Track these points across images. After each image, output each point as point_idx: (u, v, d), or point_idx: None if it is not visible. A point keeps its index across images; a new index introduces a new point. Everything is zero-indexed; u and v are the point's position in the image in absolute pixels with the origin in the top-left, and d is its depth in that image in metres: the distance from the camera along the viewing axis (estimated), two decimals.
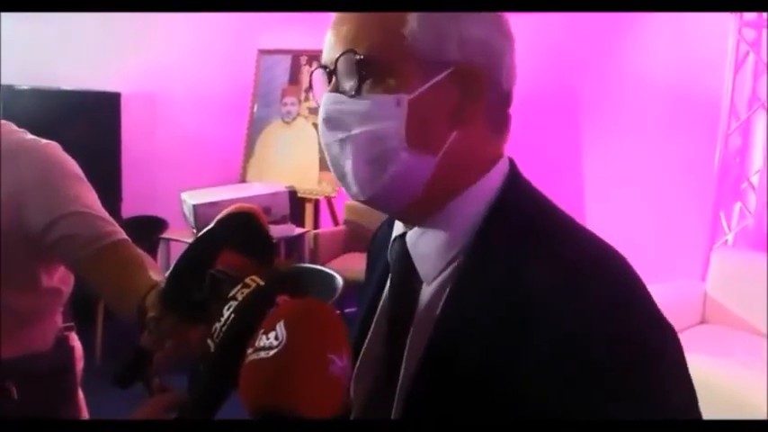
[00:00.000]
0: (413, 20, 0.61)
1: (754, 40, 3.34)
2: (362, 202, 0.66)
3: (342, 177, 0.66)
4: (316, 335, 0.54)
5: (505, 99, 0.67)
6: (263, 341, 0.54)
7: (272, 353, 0.53)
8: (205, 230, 0.73)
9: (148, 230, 3.57)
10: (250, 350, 0.54)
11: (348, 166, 0.64)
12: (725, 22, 3.32)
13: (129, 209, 3.80)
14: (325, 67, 0.66)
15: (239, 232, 0.72)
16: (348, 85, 0.63)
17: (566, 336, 0.55)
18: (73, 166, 1.13)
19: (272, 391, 0.52)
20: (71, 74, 3.71)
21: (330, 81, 0.65)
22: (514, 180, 0.67)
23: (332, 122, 0.64)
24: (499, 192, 0.66)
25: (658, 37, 3.61)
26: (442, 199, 0.65)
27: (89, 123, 3.57)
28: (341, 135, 0.64)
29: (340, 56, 0.63)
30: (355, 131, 0.63)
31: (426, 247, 0.66)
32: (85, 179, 1.13)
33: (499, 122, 0.67)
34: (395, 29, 0.62)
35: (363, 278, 0.84)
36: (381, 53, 0.62)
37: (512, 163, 0.69)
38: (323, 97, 0.66)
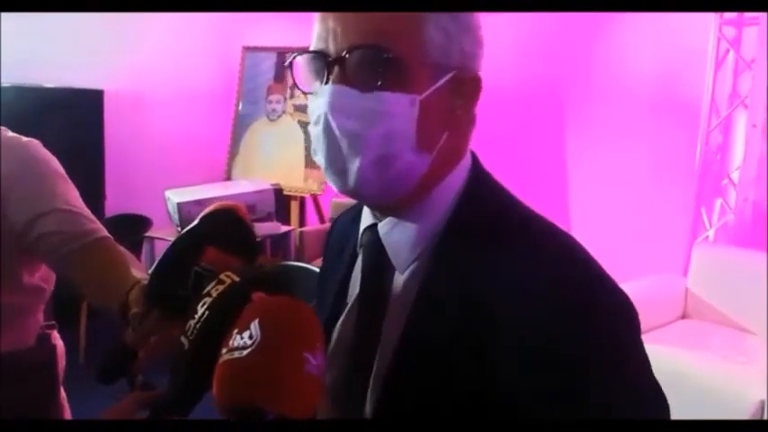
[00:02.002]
0: (429, 23, 0.63)
1: (734, 38, 3.38)
2: (350, 195, 0.66)
3: (339, 172, 0.64)
4: (290, 333, 0.54)
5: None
6: (236, 340, 0.53)
7: (245, 352, 0.52)
8: (188, 227, 0.73)
9: (132, 229, 3.54)
10: (224, 349, 0.54)
11: (355, 162, 0.63)
12: (706, 21, 3.36)
13: (113, 207, 3.77)
14: (322, 55, 0.64)
15: (222, 229, 0.72)
16: (363, 79, 0.62)
17: (533, 328, 0.57)
18: (54, 163, 1.13)
19: (246, 391, 0.52)
20: (53, 71, 3.67)
21: (329, 69, 0.63)
22: (478, 172, 0.70)
23: (340, 117, 0.62)
24: (465, 184, 0.68)
25: (640, 35, 3.64)
26: (422, 193, 0.67)
27: (72, 121, 3.54)
28: (350, 131, 0.62)
29: (358, 49, 0.61)
30: (367, 129, 0.62)
31: (399, 237, 0.68)
32: (67, 176, 1.13)
33: (474, 121, 0.70)
34: (415, 29, 0.63)
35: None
36: (403, 52, 0.62)
37: (473, 156, 0.71)
38: (329, 88, 0.62)
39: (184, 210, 3.47)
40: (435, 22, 0.63)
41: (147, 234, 3.64)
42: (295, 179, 4.13)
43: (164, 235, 3.58)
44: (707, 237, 3.47)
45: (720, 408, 2.49)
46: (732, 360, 2.70)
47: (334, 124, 0.63)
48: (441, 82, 0.64)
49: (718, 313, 3.14)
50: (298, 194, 4.17)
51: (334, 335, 0.73)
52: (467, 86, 0.66)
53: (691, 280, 3.28)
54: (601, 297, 0.60)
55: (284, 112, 4.29)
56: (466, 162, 0.70)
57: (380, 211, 0.70)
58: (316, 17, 0.66)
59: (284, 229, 3.91)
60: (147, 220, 3.72)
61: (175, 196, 3.58)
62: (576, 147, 4.03)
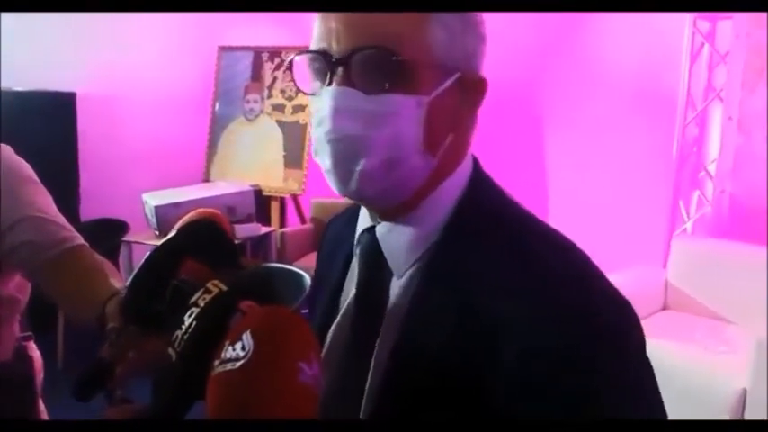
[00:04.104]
0: (436, 22, 0.62)
1: (708, 32, 3.42)
2: (352, 197, 0.65)
3: (344, 174, 0.63)
4: (283, 343, 0.52)
5: None
6: (228, 352, 0.52)
7: (238, 364, 0.51)
8: (165, 240, 0.71)
9: (108, 234, 3.48)
10: (216, 362, 0.52)
11: (360, 165, 0.62)
12: (680, 15, 3.39)
13: (88, 212, 3.70)
14: (324, 55, 0.62)
15: (200, 241, 0.70)
16: (368, 81, 0.61)
17: (533, 334, 0.56)
18: (26, 169, 1.09)
19: (240, 403, 0.50)
20: (24, 74, 3.59)
21: (332, 70, 0.62)
22: (478, 176, 0.69)
23: (345, 119, 0.61)
24: (466, 188, 0.67)
25: (616, 29, 3.67)
26: (422, 195, 0.66)
27: (44, 125, 3.46)
28: (355, 134, 0.61)
29: (363, 50, 0.60)
30: (373, 131, 0.61)
31: (398, 240, 0.67)
32: (40, 182, 1.09)
33: (475, 123, 0.69)
34: (421, 30, 0.61)
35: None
36: (409, 53, 0.60)
37: (474, 159, 0.70)
38: (333, 90, 0.61)
39: (162, 213, 3.42)
40: (441, 20, 0.62)
41: (125, 239, 3.58)
42: (274, 179, 4.10)
43: (141, 239, 3.53)
44: (685, 229, 3.52)
45: (704, 397, 2.52)
46: (713, 350, 2.73)
47: (339, 127, 0.62)
48: (447, 83, 0.63)
49: (698, 304, 3.18)
50: (278, 195, 4.13)
51: (328, 339, 0.72)
52: (472, 88, 0.65)
53: (670, 272, 3.31)
54: (599, 301, 0.59)
55: (262, 111, 4.25)
56: (467, 165, 0.69)
57: (381, 213, 0.69)
58: (316, 16, 0.64)
59: (265, 230, 3.87)
60: (124, 225, 3.66)
61: (152, 199, 3.52)
62: (555, 141, 4.05)
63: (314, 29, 0.64)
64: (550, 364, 0.55)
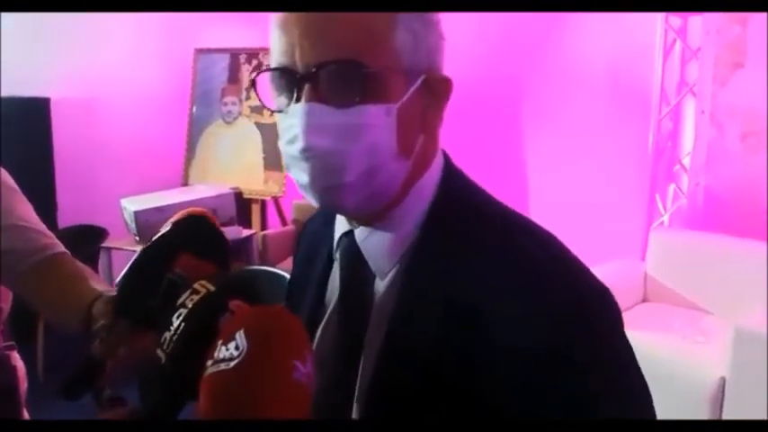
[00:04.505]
0: (399, 27, 0.61)
1: (680, 28, 3.48)
2: (333, 210, 0.66)
3: (323, 189, 0.63)
4: (277, 341, 0.52)
5: None
6: (222, 352, 0.52)
7: (232, 364, 0.51)
8: (158, 234, 0.71)
9: (87, 240, 3.44)
10: (209, 362, 0.53)
11: (339, 179, 0.61)
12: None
13: (66, 219, 3.65)
14: (289, 71, 0.61)
15: (195, 234, 0.71)
16: (337, 95, 0.60)
17: (516, 326, 0.56)
18: (4, 176, 1.08)
19: (235, 403, 0.50)
20: None
21: (299, 86, 0.61)
22: (450, 171, 0.69)
23: (319, 136, 0.60)
24: (439, 184, 0.68)
25: (590, 27, 3.71)
26: (398, 198, 0.66)
27: (18, 131, 3.42)
28: (331, 149, 0.60)
29: (331, 64, 0.59)
30: (348, 145, 0.60)
31: (378, 243, 0.67)
32: (19, 190, 1.08)
33: (442, 120, 0.69)
34: (385, 37, 0.61)
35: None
36: (377, 63, 0.60)
37: (445, 155, 0.71)
38: (303, 107, 0.60)
39: (141, 218, 3.39)
40: (404, 25, 0.62)
41: (104, 245, 3.54)
42: (254, 182, 4.07)
43: (121, 245, 3.49)
44: (662, 222, 3.57)
45: (684, 387, 2.56)
46: (692, 340, 2.78)
47: (314, 144, 0.61)
48: (414, 87, 0.63)
49: (676, 295, 3.23)
50: (258, 197, 4.11)
51: (316, 338, 0.72)
52: (437, 88, 0.66)
53: (649, 264, 3.36)
54: (582, 290, 0.61)
55: (240, 113, 4.22)
56: (438, 162, 0.69)
57: (358, 220, 0.69)
58: (274, 29, 0.62)
59: (246, 232, 3.85)
60: (103, 231, 3.62)
61: (131, 205, 3.49)
62: (533, 137, 4.08)
63: (272, 43, 0.62)
64: (544, 363, 0.55)
